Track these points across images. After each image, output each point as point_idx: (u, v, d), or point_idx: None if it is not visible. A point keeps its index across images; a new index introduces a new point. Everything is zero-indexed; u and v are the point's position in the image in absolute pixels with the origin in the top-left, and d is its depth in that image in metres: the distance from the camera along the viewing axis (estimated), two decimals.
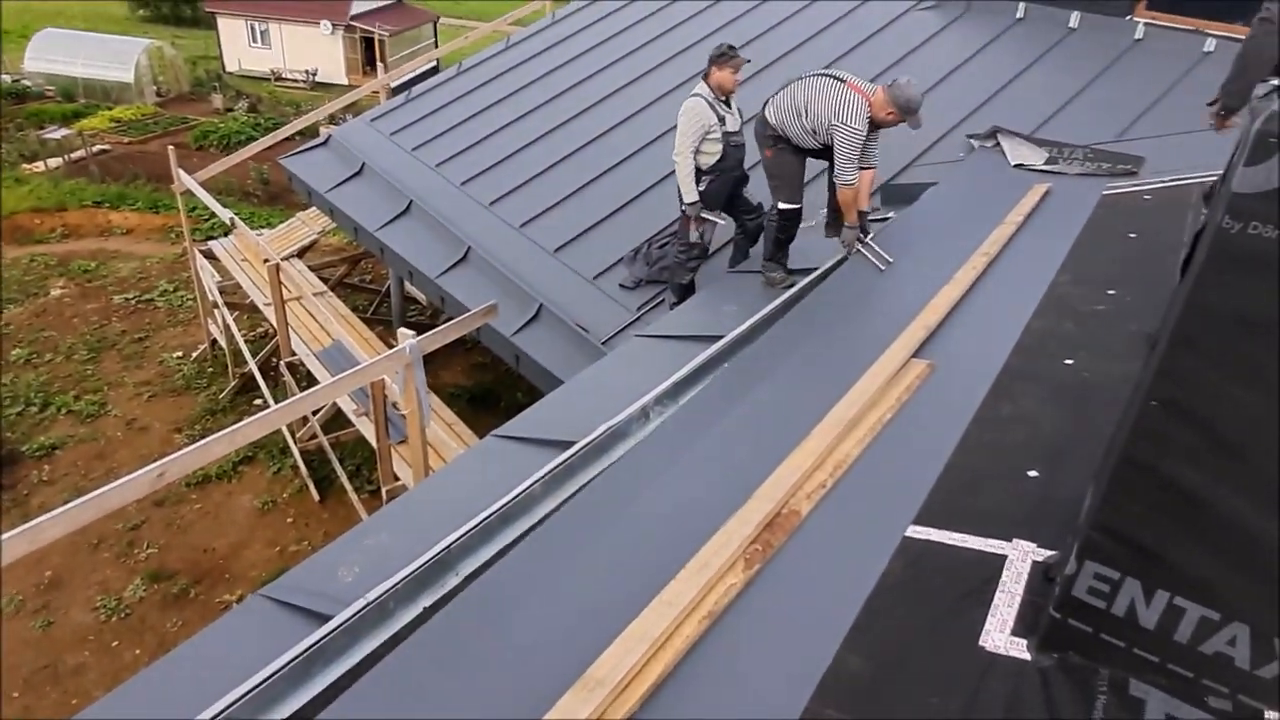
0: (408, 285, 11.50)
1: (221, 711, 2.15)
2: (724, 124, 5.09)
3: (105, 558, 8.17)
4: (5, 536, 3.05)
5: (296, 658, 2.29)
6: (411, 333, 4.43)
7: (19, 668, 7.09)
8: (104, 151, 20.87)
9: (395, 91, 11.40)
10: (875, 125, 4.45)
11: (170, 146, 10.86)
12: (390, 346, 8.36)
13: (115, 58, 25.78)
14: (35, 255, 15.37)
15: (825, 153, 4.60)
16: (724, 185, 5.23)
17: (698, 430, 3.13)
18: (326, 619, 2.45)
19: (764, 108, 4.75)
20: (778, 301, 4.19)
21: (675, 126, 5.12)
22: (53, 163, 19.83)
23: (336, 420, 8.93)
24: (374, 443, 6.48)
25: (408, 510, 3.33)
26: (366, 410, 7.12)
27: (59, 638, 7.42)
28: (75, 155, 20.26)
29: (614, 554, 2.54)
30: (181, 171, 9.79)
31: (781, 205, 4.75)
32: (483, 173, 8.02)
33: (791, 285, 4.56)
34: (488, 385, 10.37)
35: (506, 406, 9.42)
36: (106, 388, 10.94)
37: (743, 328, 3.80)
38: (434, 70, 17.75)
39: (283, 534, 8.48)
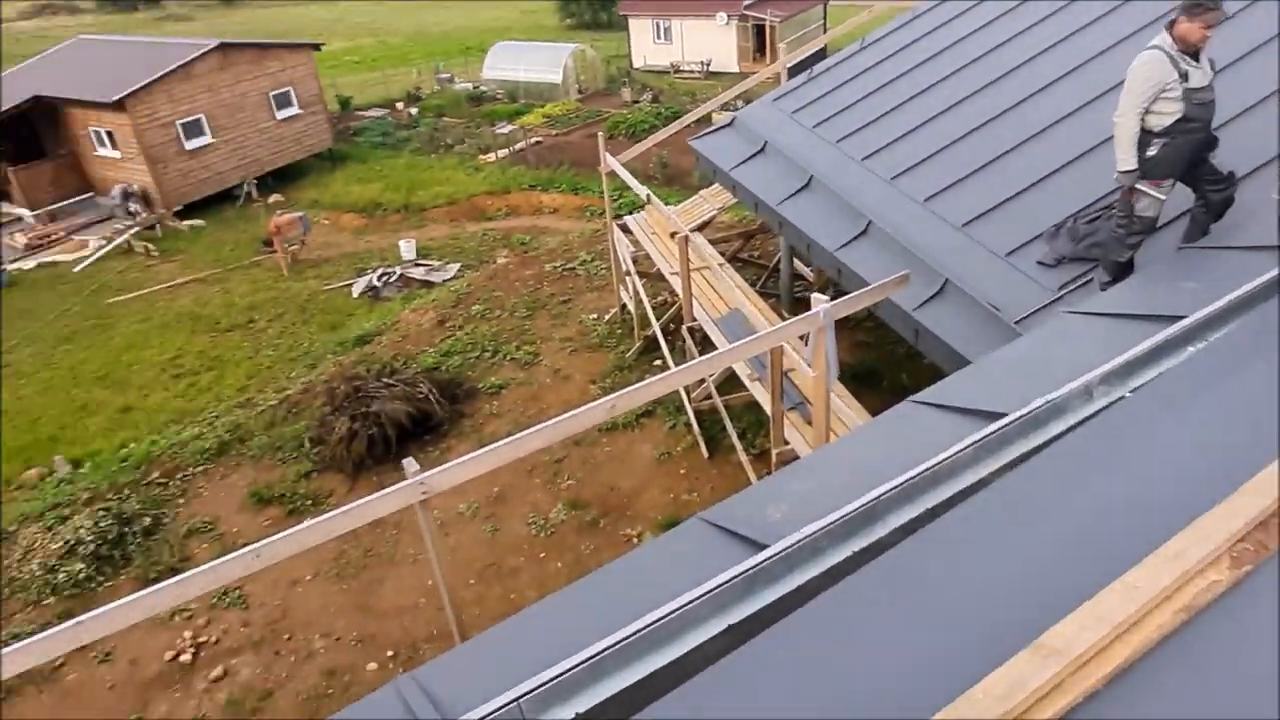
0: (795, 261, 11.83)
1: (675, 610, 2.48)
2: (1187, 80, 4.48)
3: (537, 483, 9.74)
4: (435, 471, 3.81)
5: (738, 576, 2.56)
6: (825, 297, 4.59)
7: (474, 562, 8.79)
8: (537, 143, 24.56)
9: (793, 73, 11.70)
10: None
11: (599, 133, 12.37)
12: (781, 319, 8.72)
13: (548, 62, 30.04)
14: (486, 230, 18.67)
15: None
16: (1180, 150, 4.60)
17: (1156, 416, 2.84)
18: (763, 547, 2.69)
19: None
20: (1260, 281, 3.59)
21: (1121, 84, 4.63)
22: (500, 153, 23.82)
23: (727, 383, 9.56)
24: (767, 407, 6.84)
25: (827, 464, 3.50)
26: (761, 376, 7.52)
27: (502, 542, 9.04)
28: (517, 147, 24.12)
29: (1059, 532, 2.43)
30: (608, 154, 11.12)
31: None
32: (884, 147, 7.94)
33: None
34: (870, 364, 10.31)
35: (890, 386, 9.30)
36: (539, 340, 12.95)
37: (1215, 306, 3.33)
38: (822, 54, 17.84)
39: (676, 483, 9.36)
